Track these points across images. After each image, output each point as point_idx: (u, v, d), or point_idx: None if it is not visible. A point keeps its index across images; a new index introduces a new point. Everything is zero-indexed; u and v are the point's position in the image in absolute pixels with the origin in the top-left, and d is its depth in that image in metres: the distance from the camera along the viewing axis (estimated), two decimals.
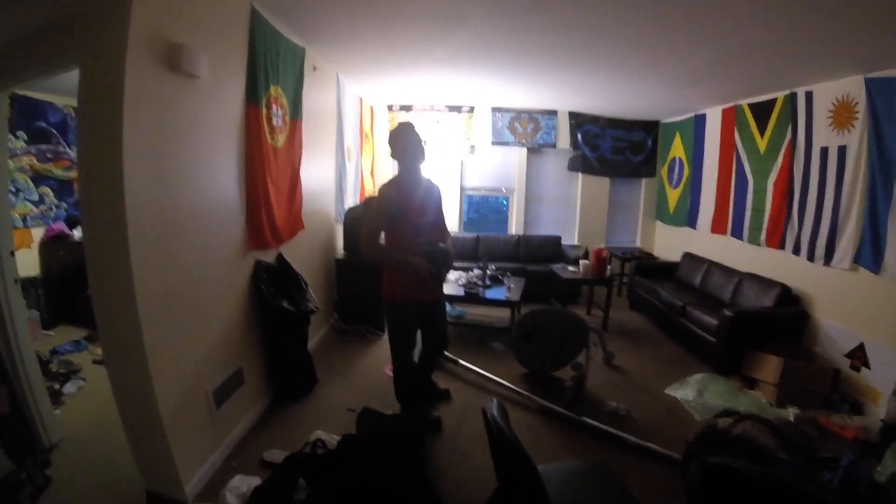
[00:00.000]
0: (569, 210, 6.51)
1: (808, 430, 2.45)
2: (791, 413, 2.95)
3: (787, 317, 3.64)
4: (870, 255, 3.13)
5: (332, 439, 2.43)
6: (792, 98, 3.84)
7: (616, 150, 6.29)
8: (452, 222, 6.31)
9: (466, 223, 6.56)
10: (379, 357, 3.76)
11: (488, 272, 4.43)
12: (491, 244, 5.93)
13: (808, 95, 3.69)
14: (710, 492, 1.44)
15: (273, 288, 2.82)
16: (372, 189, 5.71)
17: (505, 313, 4.66)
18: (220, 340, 2.39)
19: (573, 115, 6.11)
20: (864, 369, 3.16)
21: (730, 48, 2.96)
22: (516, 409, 2.98)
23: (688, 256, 5.26)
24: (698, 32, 2.73)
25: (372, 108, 5.81)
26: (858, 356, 3.20)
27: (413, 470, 2.06)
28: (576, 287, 5.49)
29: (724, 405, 2.92)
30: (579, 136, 6.17)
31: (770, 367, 3.24)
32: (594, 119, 6.16)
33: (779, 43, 2.81)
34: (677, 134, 5.90)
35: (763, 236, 4.23)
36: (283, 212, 3.05)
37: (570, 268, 4.79)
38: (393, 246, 2.40)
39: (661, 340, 4.40)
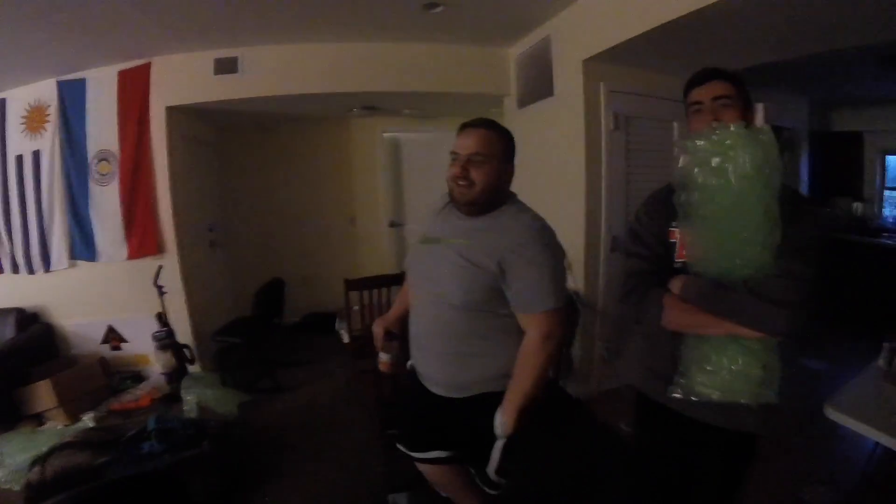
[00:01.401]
0: None
1: (111, 424, 2.74)
2: (88, 420, 2.98)
3: (31, 337, 3.34)
4: (83, 248, 3.36)
5: None
6: None
7: None
8: None
9: None
10: None
11: None
12: None
13: (2, 103, 3.44)
14: None
15: None
16: None
17: None
18: None
19: None
20: (123, 345, 3.50)
21: None
22: None
23: None
24: None
25: None
26: (113, 337, 3.51)
27: None
28: None
29: (30, 457, 2.38)
30: None
31: (44, 394, 3.00)
32: None
33: None
34: None
35: None
36: None
37: None
38: None
39: None
